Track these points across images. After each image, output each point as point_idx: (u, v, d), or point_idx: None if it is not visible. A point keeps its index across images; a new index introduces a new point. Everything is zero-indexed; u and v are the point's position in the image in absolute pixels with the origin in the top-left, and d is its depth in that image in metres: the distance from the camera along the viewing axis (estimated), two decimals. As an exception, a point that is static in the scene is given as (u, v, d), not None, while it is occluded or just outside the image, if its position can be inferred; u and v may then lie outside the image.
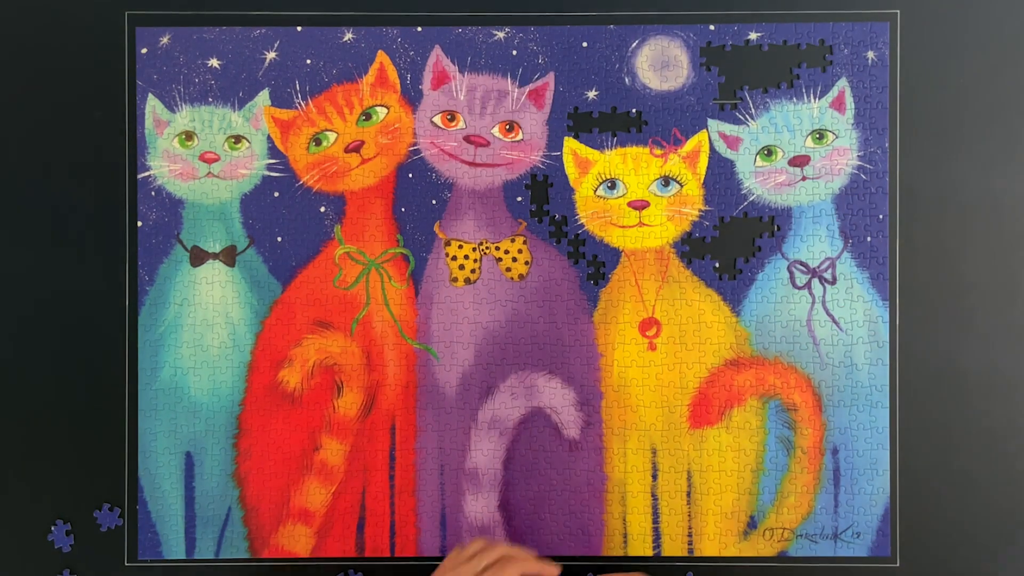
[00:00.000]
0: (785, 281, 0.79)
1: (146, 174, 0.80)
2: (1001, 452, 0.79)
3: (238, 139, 0.79)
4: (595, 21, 0.79)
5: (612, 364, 0.79)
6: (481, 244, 0.79)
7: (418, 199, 0.79)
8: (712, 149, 0.79)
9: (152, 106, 0.79)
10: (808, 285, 0.79)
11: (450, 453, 0.79)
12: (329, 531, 0.79)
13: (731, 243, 0.79)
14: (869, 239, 0.79)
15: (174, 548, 0.79)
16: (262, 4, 0.79)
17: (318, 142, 0.79)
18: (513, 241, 0.79)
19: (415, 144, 0.79)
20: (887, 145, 0.79)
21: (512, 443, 0.79)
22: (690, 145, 0.79)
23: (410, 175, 0.79)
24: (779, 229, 0.79)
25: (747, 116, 0.79)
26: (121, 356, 0.80)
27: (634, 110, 0.79)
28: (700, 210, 0.79)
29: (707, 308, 0.79)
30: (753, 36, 0.79)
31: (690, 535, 0.79)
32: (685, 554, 0.79)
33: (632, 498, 0.79)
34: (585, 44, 0.79)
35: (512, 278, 0.79)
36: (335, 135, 0.79)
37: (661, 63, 0.79)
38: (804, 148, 0.79)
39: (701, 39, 0.79)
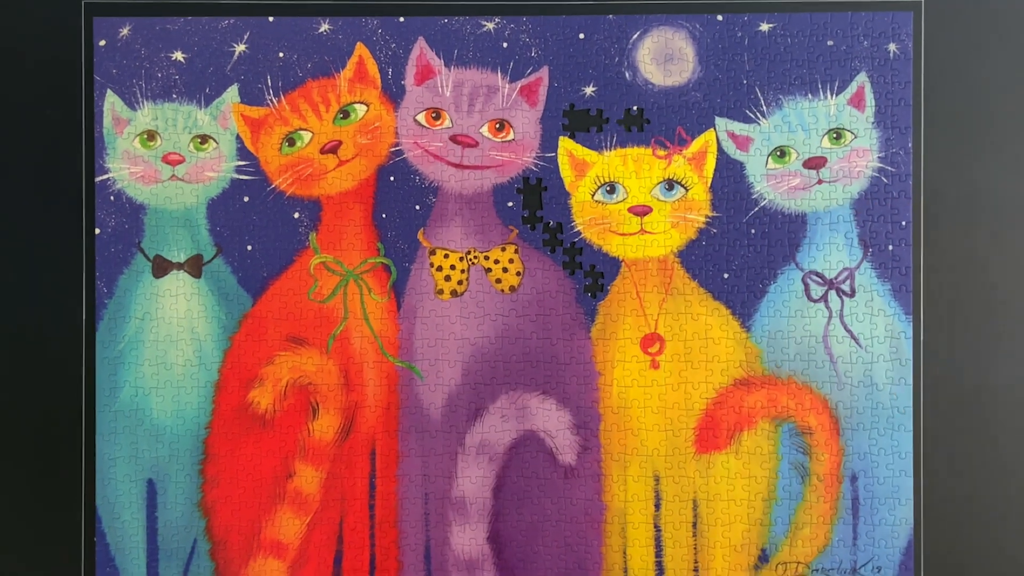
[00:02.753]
0: (799, 294, 0.78)
1: (104, 177, 0.78)
2: (1035, 480, 0.78)
3: (204, 139, 0.78)
4: (593, 11, 0.78)
5: (611, 384, 0.78)
6: (469, 253, 0.78)
7: (400, 204, 0.78)
8: (720, 150, 0.78)
9: (111, 103, 0.78)
10: (824, 298, 0.78)
11: (435, 480, 0.78)
12: (304, 565, 0.78)
13: (741, 252, 0.77)
14: (891, 248, 0.78)
15: (135, 584, 0.79)
16: (231, -8, 0.79)
17: (291, 142, 0.78)
18: (504, 250, 0.78)
19: (397, 144, 0.78)
20: (910, 145, 0.78)
21: (503, 469, 0.78)
22: (696, 145, 0.78)
23: (391, 178, 0.78)
24: (793, 236, 0.78)
25: (758, 114, 0.78)
26: (77, 375, 0.78)
27: (635, 107, 0.78)
28: (707, 216, 0.78)
29: (715, 323, 0.78)
30: (765, 27, 0.77)
31: (696, 569, 0.78)
32: (691, 590, 0.78)
33: (633, 529, 0.78)
34: (582, 36, 0.78)
35: (503, 290, 0.78)
36: (310, 135, 0.78)
37: (665, 56, 0.78)
38: (820, 149, 0.78)
39: (708, 30, 0.78)
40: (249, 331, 0.78)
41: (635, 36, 0.78)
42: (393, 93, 0.78)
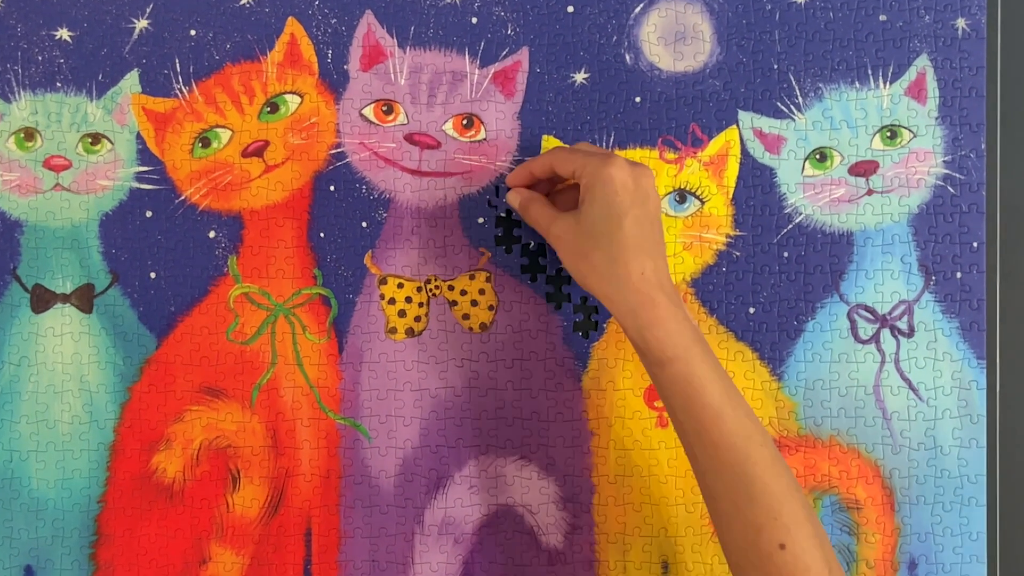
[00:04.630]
0: (845, 333, 0.73)
1: (-30, 187, 0.74)
2: None
3: (96, 139, 0.74)
4: (585, -22, 0.73)
5: (608, 446, 0.73)
6: (429, 283, 0.74)
7: (343, 221, 0.74)
8: (745, 152, 0.74)
9: (-22, 94, 0.74)
10: (876, 338, 0.73)
11: (386, 568, 0.73)
12: (222, 674, 0.72)
13: (771, 281, 0.73)
14: (959, 275, 0.73)
15: None
16: (129, -46, 0.73)
17: (206, 143, 0.74)
18: (473, 278, 0.74)
19: (339, 145, 0.74)
20: (983, 147, 0.73)
21: (471, 554, 0.73)
22: (714, 146, 0.74)
23: (332, 187, 0.74)
24: (837, 261, 0.73)
25: (792, 108, 0.73)
26: (-64, 435, 0.72)
27: (638, 98, 0.73)
28: (728, 235, 0.74)
29: (738, 369, 0.73)
30: (800, -1, 0.73)
31: None
32: None
33: (636, 629, 0.73)
34: (571, 9, 0.73)
35: (471, 328, 0.74)
36: (229, 133, 0.74)
37: (675, 35, 0.73)
38: (871, 151, 0.73)
39: (729, 3, 0.73)
40: (153, 380, 0.74)
41: (638, 10, 0.74)
42: (334, 81, 0.74)
